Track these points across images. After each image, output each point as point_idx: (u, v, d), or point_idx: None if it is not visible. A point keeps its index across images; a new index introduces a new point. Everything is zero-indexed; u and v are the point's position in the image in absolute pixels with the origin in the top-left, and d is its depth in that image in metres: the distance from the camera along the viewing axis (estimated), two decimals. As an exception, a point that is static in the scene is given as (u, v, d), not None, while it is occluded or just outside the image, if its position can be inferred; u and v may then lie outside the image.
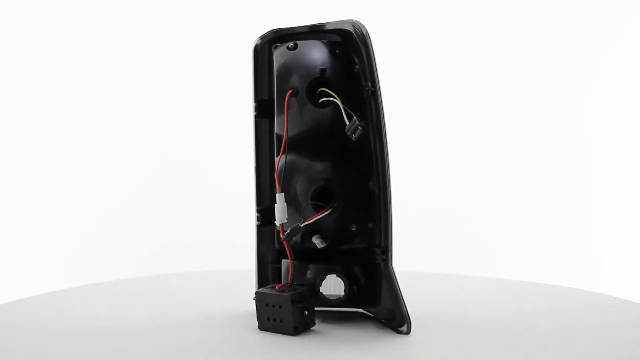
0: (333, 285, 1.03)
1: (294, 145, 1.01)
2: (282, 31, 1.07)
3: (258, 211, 1.08)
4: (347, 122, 0.98)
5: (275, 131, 1.05)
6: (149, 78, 1.97)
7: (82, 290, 1.28)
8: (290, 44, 1.03)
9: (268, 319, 0.98)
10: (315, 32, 1.05)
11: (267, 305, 0.98)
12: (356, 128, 0.97)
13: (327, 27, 1.04)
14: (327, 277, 1.03)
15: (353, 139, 0.98)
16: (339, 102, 0.99)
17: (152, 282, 1.37)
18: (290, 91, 1.00)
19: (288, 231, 0.99)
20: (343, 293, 1.02)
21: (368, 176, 1.02)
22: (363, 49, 0.99)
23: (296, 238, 1.01)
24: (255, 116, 1.08)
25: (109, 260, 1.94)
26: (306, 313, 0.98)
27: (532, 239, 1.91)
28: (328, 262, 1.03)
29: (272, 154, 1.08)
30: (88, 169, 1.97)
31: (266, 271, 1.09)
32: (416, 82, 1.89)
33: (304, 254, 1.04)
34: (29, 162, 1.98)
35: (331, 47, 1.03)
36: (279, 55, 1.03)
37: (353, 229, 1.02)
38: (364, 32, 0.99)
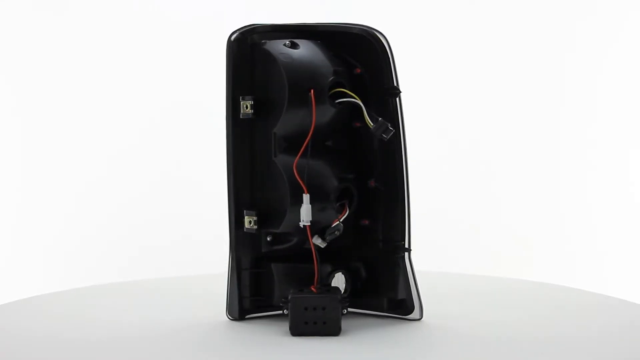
0: (340, 284, 1.04)
1: (300, 145, 1.00)
2: (267, 27, 1.03)
3: (257, 215, 1.02)
4: (371, 124, 0.99)
5: (273, 130, 1.01)
6: (149, 78, 1.94)
7: (82, 292, 1.26)
8: (287, 42, 1.01)
9: (306, 322, 0.96)
10: (309, 32, 1.04)
11: (306, 309, 0.96)
12: (386, 129, 0.99)
13: (327, 29, 1.04)
14: (336, 275, 1.04)
15: (385, 139, 0.99)
16: (361, 104, 1.00)
17: (159, 284, 1.34)
18: (311, 90, 0.99)
19: (332, 232, 0.99)
20: (344, 290, 1.04)
21: (366, 175, 1.04)
22: (381, 55, 1.02)
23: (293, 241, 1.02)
24: (252, 114, 1.01)
25: (108, 261, 1.90)
26: (345, 312, 0.99)
27: (532, 239, 1.93)
28: (324, 261, 1.02)
29: (261, 154, 1.03)
30: (87, 170, 1.94)
31: (244, 278, 1.04)
32: (416, 83, 1.89)
33: (294, 256, 1.04)
34: (28, 163, 1.95)
35: (328, 48, 1.03)
36: (281, 52, 1.00)
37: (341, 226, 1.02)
38: (386, 38, 1.03)
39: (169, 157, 1.95)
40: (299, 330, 0.97)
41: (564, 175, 1.97)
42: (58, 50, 1.94)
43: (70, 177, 1.94)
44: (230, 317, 1.05)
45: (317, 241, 1.01)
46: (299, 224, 0.99)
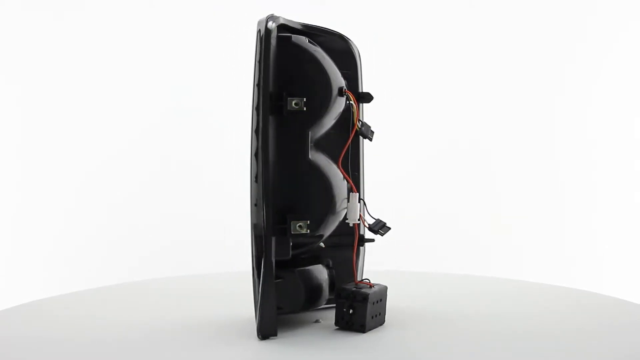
0: None
1: (321, 144, 1.01)
2: (289, 22, 1.00)
3: (309, 218, 0.96)
4: (359, 125, 1.02)
5: (309, 130, 0.97)
6: (148, 78, 1.91)
7: (83, 295, 1.22)
8: (307, 39, 1.00)
9: (372, 317, 0.96)
10: (309, 33, 1.03)
11: (373, 303, 0.96)
12: (369, 130, 1.04)
13: (310, 31, 1.03)
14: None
15: (370, 139, 1.04)
16: (355, 106, 1.02)
17: (160, 285, 1.30)
18: (348, 91, 1.00)
19: (383, 225, 1.01)
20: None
21: None
22: (352, 61, 1.07)
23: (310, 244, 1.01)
24: (301, 111, 0.95)
25: (108, 263, 1.86)
26: None
27: (532, 240, 1.94)
28: (314, 262, 1.03)
29: (292, 154, 0.98)
30: (87, 170, 1.89)
31: (271, 287, 0.95)
32: (415, 83, 1.90)
33: (303, 259, 1.03)
34: (28, 163, 1.90)
35: None
36: (316, 50, 0.99)
37: None
38: (356, 46, 1.07)
39: (169, 157, 1.92)
40: (369, 325, 0.96)
41: (562, 175, 1.98)
42: (58, 50, 1.89)
43: (70, 177, 1.90)
44: (261, 337, 0.93)
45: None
46: (331, 226, 0.99)
